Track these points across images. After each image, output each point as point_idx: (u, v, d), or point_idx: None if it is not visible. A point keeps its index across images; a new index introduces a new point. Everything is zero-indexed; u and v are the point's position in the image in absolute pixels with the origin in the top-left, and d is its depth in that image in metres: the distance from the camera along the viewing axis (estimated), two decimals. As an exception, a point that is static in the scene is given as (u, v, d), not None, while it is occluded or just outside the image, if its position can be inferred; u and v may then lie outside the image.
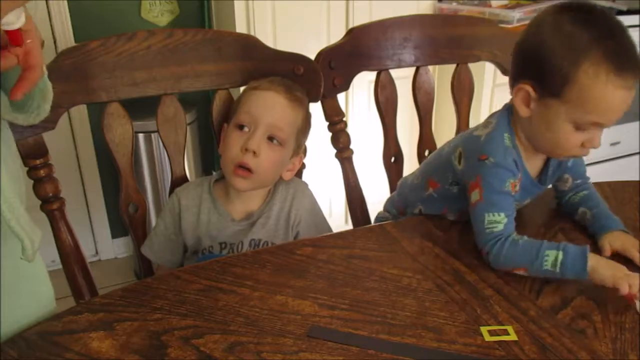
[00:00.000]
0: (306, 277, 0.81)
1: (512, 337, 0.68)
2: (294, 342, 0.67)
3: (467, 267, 0.84)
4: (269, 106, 0.95)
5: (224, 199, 1.01)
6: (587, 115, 0.79)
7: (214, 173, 1.05)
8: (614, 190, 1.07)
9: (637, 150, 2.37)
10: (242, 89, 1.01)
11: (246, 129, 0.95)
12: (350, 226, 1.19)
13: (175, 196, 1.02)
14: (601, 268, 0.76)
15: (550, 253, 0.78)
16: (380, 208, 1.20)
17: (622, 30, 0.77)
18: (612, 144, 2.22)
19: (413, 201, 1.05)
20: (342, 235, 0.93)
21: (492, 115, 0.93)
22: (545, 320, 0.71)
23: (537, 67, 0.81)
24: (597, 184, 1.05)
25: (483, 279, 0.80)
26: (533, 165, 0.93)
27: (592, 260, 0.76)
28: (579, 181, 0.99)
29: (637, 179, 1.13)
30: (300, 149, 1.03)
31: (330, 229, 1.05)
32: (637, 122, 2.28)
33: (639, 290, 0.72)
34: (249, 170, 0.93)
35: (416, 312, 0.73)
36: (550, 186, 1.00)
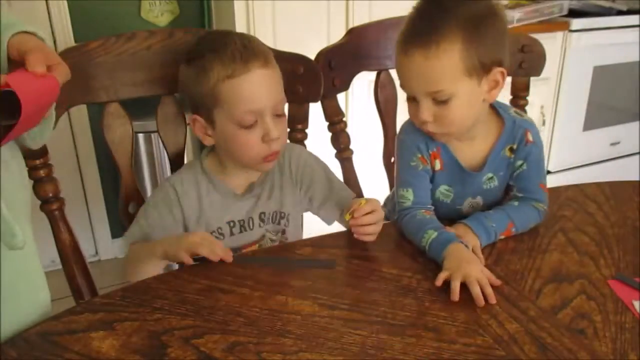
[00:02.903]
0: (306, 277, 0.81)
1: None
2: (294, 342, 0.67)
3: (467, 267, 0.83)
4: (260, 91, 0.87)
5: (221, 175, 0.96)
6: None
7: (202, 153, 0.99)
8: (614, 190, 1.07)
9: (637, 150, 2.36)
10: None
11: (254, 125, 0.88)
12: (350, 226, 1.19)
13: (168, 186, 0.95)
14: (449, 261, 0.80)
15: (429, 232, 0.86)
16: (380, 208, 1.20)
17: (431, 12, 0.84)
18: (612, 144, 2.20)
19: None
20: (342, 235, 0.93)
21: None
22: (545, 320, 0.71)
23: None
24: (597, 184, 1.05)
25: (483, 279, 0.80)
26: (466, 153, 0.93)
27: (450, 249, 0.81)
28: (521, 195, 0.95)
29: (637, 179, 1.13)
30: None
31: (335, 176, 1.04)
32: (637, 122, 2.27)
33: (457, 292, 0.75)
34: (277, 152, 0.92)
35: (416, 312, 0.73)
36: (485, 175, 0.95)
